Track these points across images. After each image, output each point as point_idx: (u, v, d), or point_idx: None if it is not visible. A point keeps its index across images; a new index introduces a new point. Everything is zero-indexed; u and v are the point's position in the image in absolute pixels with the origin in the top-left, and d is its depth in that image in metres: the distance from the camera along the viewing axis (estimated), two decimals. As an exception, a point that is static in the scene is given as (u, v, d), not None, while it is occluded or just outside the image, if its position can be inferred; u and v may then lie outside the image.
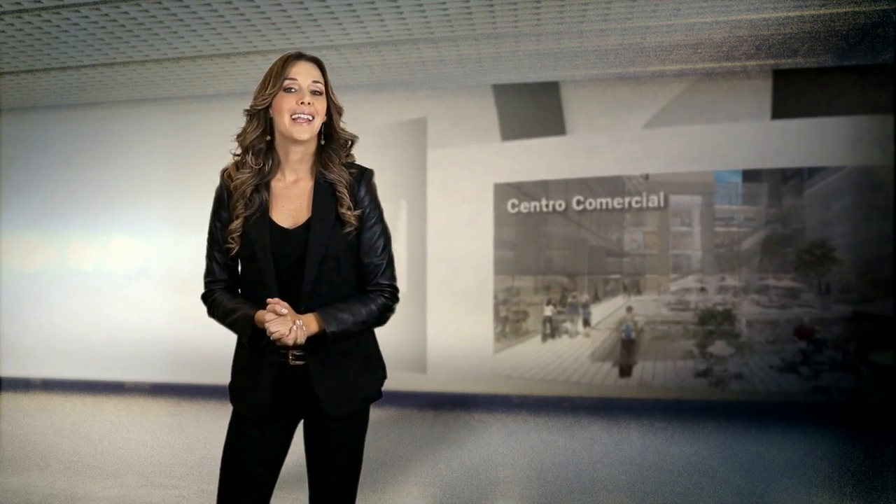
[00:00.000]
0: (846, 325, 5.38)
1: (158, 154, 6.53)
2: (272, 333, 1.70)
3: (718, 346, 5.57)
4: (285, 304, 1.73)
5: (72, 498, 3.63)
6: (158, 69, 5.30)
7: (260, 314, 1.75)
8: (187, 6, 4.05)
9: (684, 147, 5.65)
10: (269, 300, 1.73)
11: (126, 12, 4.14)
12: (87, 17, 4.21)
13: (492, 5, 4.06)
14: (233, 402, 1.89)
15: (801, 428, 5.01)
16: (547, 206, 5.90)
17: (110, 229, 6.65)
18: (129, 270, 6.62)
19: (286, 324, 1.70)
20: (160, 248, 6.52)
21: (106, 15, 4.18)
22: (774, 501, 3.67)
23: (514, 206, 5.96)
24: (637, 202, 5.76)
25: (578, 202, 5.84)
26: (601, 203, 5.82)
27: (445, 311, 6.00)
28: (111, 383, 6.54)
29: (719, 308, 5.58)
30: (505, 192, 5.97)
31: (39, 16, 4.18)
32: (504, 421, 5.39)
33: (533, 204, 5.93)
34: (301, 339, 1.72)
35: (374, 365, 1.92)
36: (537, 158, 5.90)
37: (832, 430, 4.97)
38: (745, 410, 5.39)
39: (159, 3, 4.00)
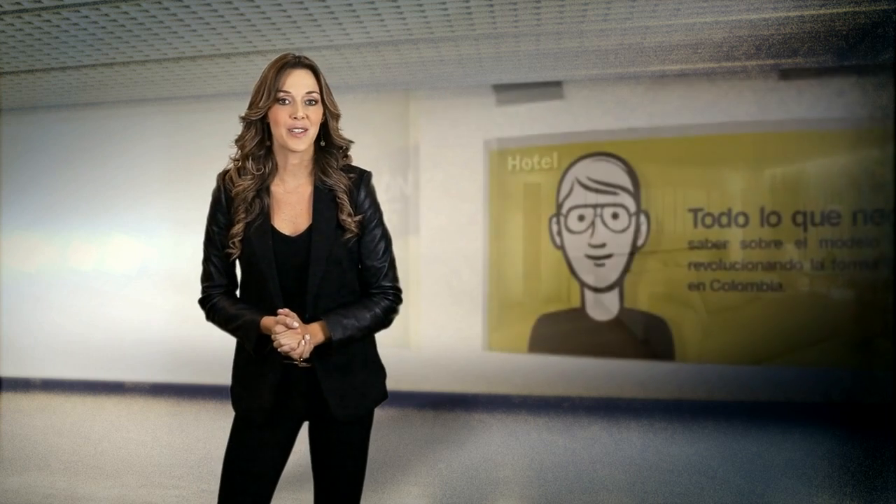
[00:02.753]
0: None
1: (158, 154, 6.53)
2: (281, 346, 1.71)
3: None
4: (295, 315, 1.73)
5: (72, 498, 3.63)
6: (158, 69, 5.30)
7: (266, 321, 1.75)
8: (187, 6, 4.05)
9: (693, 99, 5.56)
10: (279, 311, 1.73)
11: (126, 12, 4.14)
12: (87, 17, 4.21)
13: (492, 5, 4.06)
14: (235, 406, 1.88)
15: (801, 428, 5.01)
16: (540, 162, 5.82)
17: (110, 229, 6.65)
18: (129, 270, 6.62)
19: (295, 337, 1.71)
20: (160, 248, 6.52)
21: (106, 15, 4.18)
22: (774, 501, 3.67)
23: (511, 165, 5.87)
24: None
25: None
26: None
27: (435, 287, 5.99)
28: (111, 383, 6.54)
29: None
30: (498, 147, 5.88)
31: (39, 16, 4.18)
32: (504, 421, 5.39)
33: (525, 161, 5.84)
34: (307, 354, 1.73)
35: (377, 366, 1.93)
36: (533, 114, 5.84)
37: (832, 430, 4.97)
38: (745, 410, 5.39)
39: (159, 3, 3.99)
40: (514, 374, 5.86)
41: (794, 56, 5.10)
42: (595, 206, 5.77)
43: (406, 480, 3.96)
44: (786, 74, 5.43)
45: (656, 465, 4.21)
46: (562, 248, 5.84)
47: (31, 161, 6.78)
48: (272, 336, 1.72)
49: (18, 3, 3.97)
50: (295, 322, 1.72)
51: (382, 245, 1.87)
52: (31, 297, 6.78)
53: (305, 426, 1.93)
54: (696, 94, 5.60)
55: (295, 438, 1.90)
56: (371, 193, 1.86)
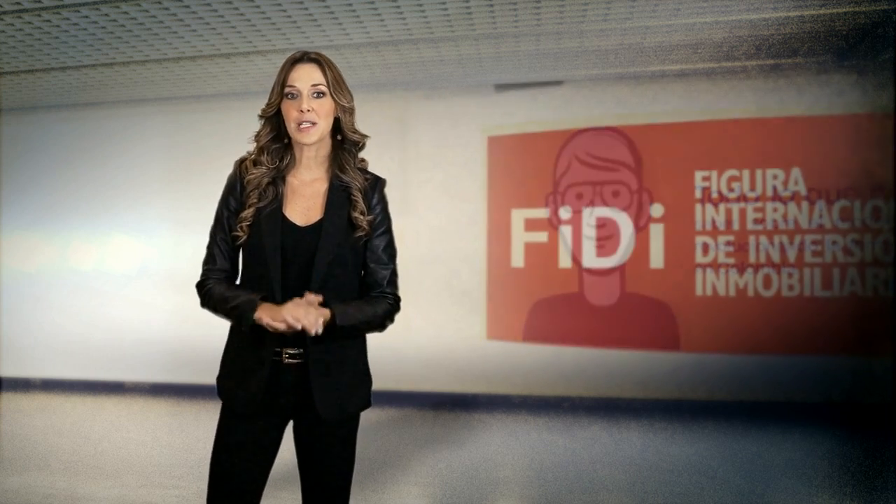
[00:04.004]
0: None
1: (158, 154, 6.53)
2: (297, 321, 1.67)
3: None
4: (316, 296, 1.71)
5: (72, 498, 3.63)
6: (158, 69, 5.30)
7: (272, 309, 1.73)
8: (187, 6, 4.05)
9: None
10: (307, 293, 1.71)
11: (126, 12, 4.14)
12: (87, 17, 4.21)
13: (492, 5, 4.06)
14: (221, 396, 1.88)
15: (801, 428, 5.01)
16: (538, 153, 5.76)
17: (110, 229, 6.65)
18: (129, 270, 6.62)
19: (308, 310, 1.69)
20: (160, 248, 6.52)
21: (106, 15, 4.18)
22: (774, 501, 3.67)
23: (510, 161, 5.83)
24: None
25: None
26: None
27: (434, 287, 5.99)
28: (111, 383, 6.54)
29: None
30: (497, 144, 5.87)
31: (39, 16, 4.18)
32: (504, 421, 5.39)
33: (524, 155, 5.81)
34: (320, 327, 1.70)
35: (365, 373, 1.92)
36: (532, 115, 5.81)
37: (832, 430, 4.97)
38: (745, 410, 5.39)
39: (159, 3, 4.00)
40: (513, 372, 5.86)
41: (794, 56, 5.10)
42: (594, 184, 5.69)
43: (406, 480, 3.96)
44: (786, 74, 5.43)
45: (656, 465, 4.21)
46: (558, 228, 5.77)
47: (31, 161, 6.78)
48: (288, 313, 1.68)
49: (18, 3, 3.97)
50: (314, 297, 1.71)
51: (389, 252, 1.88)
52: (31, 297, 6.78)
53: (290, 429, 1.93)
54: (696, 94, 5.60)
55: (282, 435, 1.90)
56: (383, 200, 1.88)
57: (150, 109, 6.46)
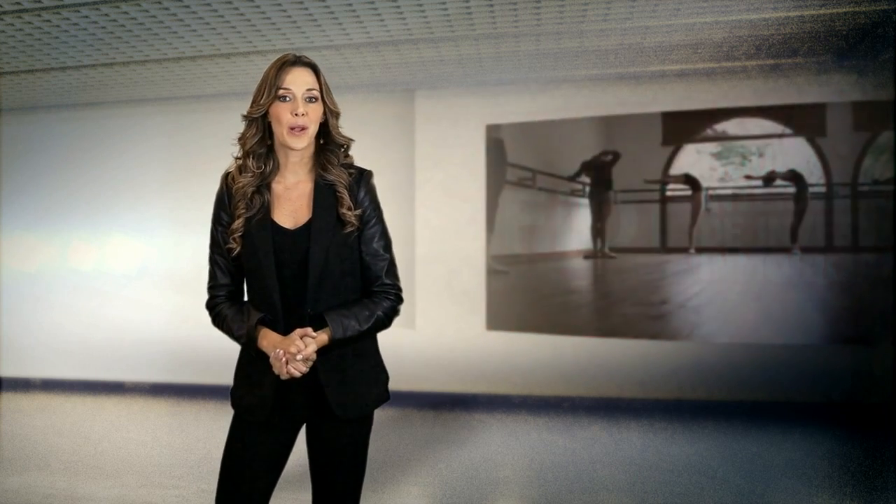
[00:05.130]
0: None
1: (158, 154, 6.53)
2: (290, 375, 1.75)
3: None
4: (299, 343, 1.74)
5: (72, 498, 3.63)
6: (158, 69, 5.30)
7: (267, 342, 1.78)
8: (187, 6, 4.05)
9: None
10: (296, 330, 1.75)
11: (126, 12, 4.14)
12: (87, 17, 4.21)
13: (492, 5, 4.06)
14: (234, 405, 1.88)
15: (801, 428, 5.00)
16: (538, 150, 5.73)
17: (110, 229, 6.65)
18: (129, 270, 6.62)
19: (296, 366, 1.74)
20: (160, 248, 6.52)
21: (106, 15, 4.18)
22: (774, 501, 3.67)
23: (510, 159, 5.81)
24: None
25: None
26: None
27: (434, 287, 5.98)
28: (111, 383, 6.54)
29: None
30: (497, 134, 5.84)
31: (39, 16, 4.18)
32: (504, 421, 5.39)
33: (523, 151, 5.78)
34: (306, 366, 1.75)
35: (379, 367, 1.93)
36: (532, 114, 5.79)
37: (832, 430, 4.97)
38: (745, 410, 5.39)
39: (159, 3, 3.99)
40: (513, 369, 5.86)
41: (794, 56, 5.10)
42: (594, 168, 5.66)
43: (406, 480, 3.96)
44: (786, 74, 5.42)
45: (656, 465, 4.21)
46: (556, 212, 5.70)
47: (31, 161, 6.78)
48: (271, 361, 1.75)
49: (18, 3, 3.97)
50: (292, 347, 1.73)
51: (382, 242, 1.87)
52: (31, 297, 6.78)
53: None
54: (696, 94, 5.59)
55: (294, 439, 1.90)
56: (371, 191, 1.87)
57: (150, 109, 6.46)
